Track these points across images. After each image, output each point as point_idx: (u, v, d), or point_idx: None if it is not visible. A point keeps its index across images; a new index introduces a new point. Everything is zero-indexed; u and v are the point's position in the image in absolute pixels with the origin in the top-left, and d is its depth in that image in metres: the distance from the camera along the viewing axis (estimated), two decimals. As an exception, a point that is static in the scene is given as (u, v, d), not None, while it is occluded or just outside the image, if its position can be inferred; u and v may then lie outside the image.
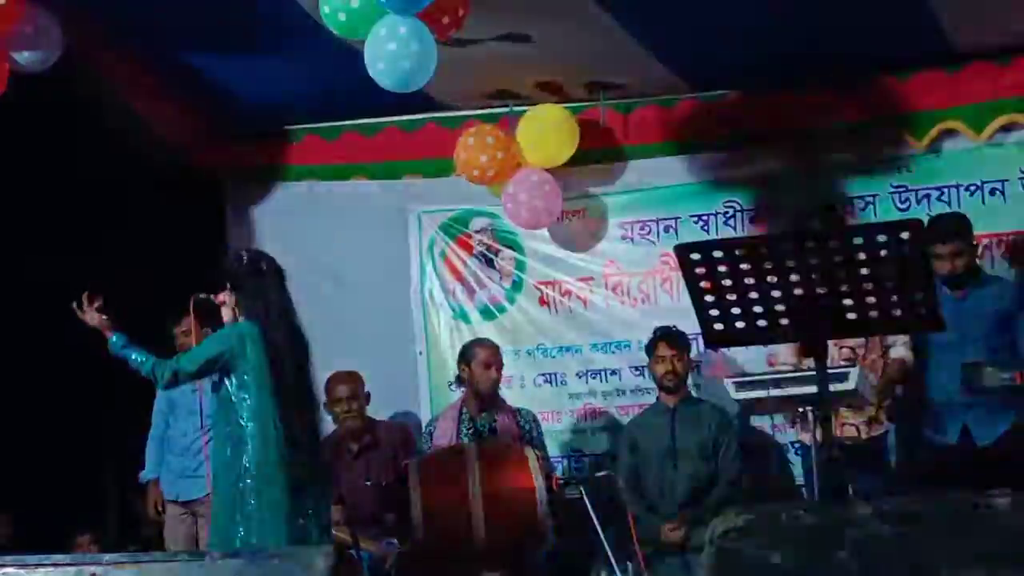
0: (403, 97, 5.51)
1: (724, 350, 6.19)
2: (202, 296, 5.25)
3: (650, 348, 6.14)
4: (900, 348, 5.67)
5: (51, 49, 5.50)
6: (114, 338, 5.12)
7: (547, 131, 6.53)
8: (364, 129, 6.96)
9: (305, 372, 5.18)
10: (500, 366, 6.21)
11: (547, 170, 6.54)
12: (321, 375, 6.12)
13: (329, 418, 6.21)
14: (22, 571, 3.06)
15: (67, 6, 5.56)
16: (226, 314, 5.20)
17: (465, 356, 6.23)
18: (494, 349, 6.27)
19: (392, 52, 5.05)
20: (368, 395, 6.35)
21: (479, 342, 6.37)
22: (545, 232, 6.78)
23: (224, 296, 5.18)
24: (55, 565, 3.07)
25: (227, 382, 5.05)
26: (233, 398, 5.03)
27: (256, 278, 5.13)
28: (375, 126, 6.94)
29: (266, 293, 5.11)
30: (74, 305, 5.18)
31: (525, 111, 6.62)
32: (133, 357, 5.09)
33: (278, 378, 5.02)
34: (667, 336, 6.08)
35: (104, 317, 5.15)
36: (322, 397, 5.77)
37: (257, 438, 4.98)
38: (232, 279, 5.16)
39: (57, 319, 5.96)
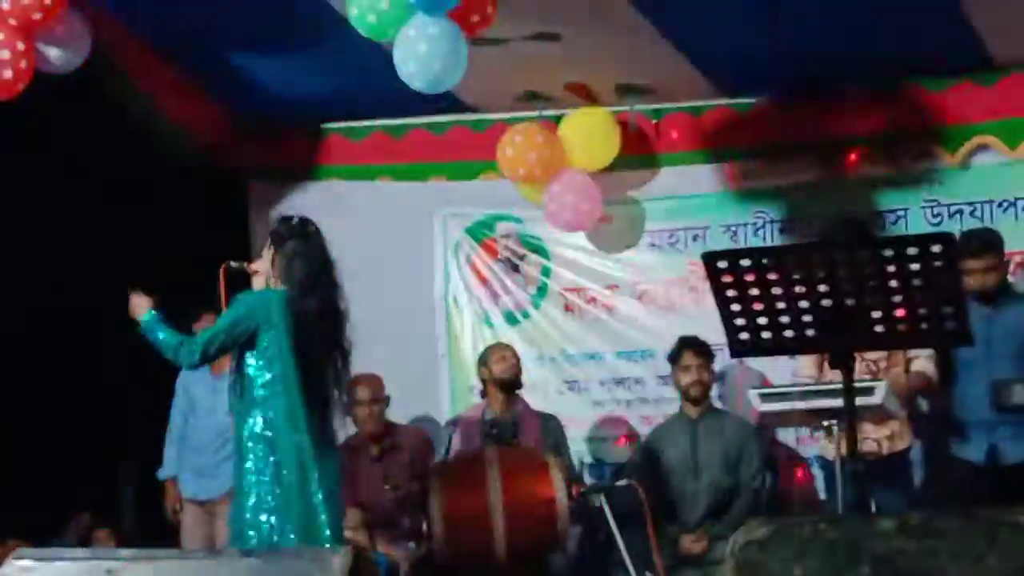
0: (431, 98, 5.49)
1: (749, 361, 6.14)
2: (234, 264, 5.01)
3: (674, 357, 6.10)
4: (923, 361, 5.62)
5: (79, 48, 5.50)
6: (147, 316, 4.86)
7: (592, 134, 6.53)
8: (391, 130, 6.96)
9: (337, 346, 4.92)
10: (516, 358, 6.20)
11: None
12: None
13: (349, 420, 6.20)
14: (39, 564, 3.05)
15: (94, 3, 5.57)
16: (258, 283, 4.99)
17: (483, 359, 6.25)
18: (508, 345, 6.33)
19: (423, 53, 5.02)
20: (388, 398, 6.33)
21: (493, 345, 6.39)
22: (572, 238, 6.76)
23: (257, 264, 5.00)
24: (72, 559, 3.07)
25: (248, 357, 4.83)
26: (253, 373, 4.82)
27: (300, 240, 4.89)
28: (402, 127, 6.93)
29: (306, 256, 4.86)
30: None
31: (555, 115, 6.60)
32: (161, 337, 4.83)
33: (305, 352, 4.80)
34: (693, 345, 6.04)
35: (148, 299, 4.91)
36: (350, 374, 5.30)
37: (281, 418, 4.77)
38: (276, 237, 4.94)
39: (76, 316, 5.97)
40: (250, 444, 4.81)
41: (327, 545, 4.68)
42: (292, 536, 4.71)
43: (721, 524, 5.76)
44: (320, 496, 4.78)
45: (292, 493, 4.74)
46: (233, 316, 4.85)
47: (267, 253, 4.96)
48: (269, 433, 4.79)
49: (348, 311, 4.95)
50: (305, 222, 5.00)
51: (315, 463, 4.80)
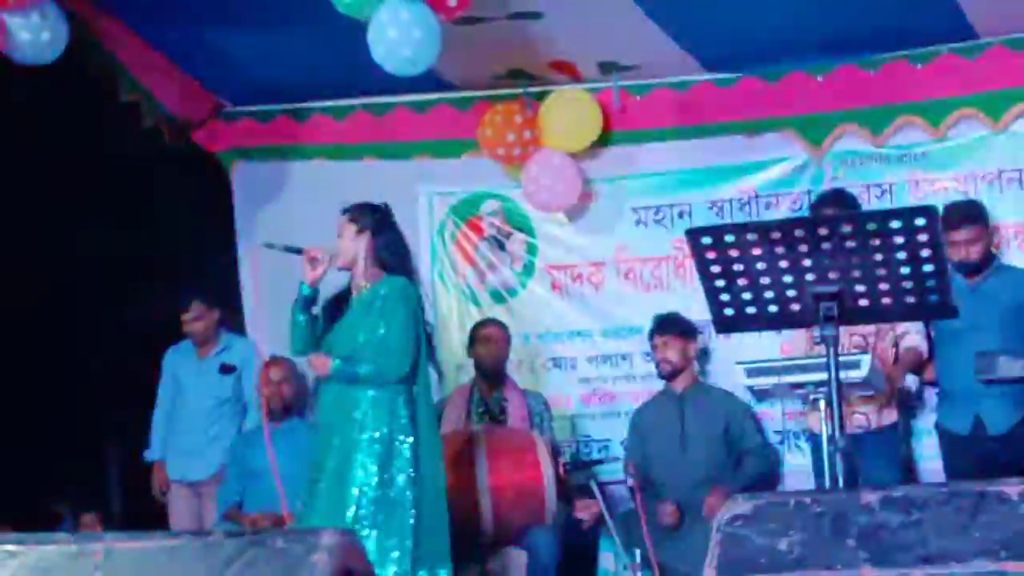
0: (415, 76, 5.48)
1: (736, 336, 6.14)
2: (291, 248, 4.80)
3: (649, 338, 6.15)
4: (914, 336, 5.63)
5: (55, 38, 5.42)
6: (335, 365, 4.71)
7: (573, 113, 6.52)
8: (374, 109, 6.92)
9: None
10: (503, 341, 6.20)
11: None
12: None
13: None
14: (24, 549, 3.04)
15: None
16: (316, 272, 4.76)
17: (471, 336, 6.25)
18: (498, 326, 6.31)
19: (393, 38, 5.05)
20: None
21: (484, 321, 6.38)
22: (558, 216, 6.76)
23: (339, 249, 4.80)
24: (57, 543, 3.05)
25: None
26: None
27: (394, 230, 4.84)
28: (385, 106, 6.89)
29: (404, 245, 4.83)
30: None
31: (539, 92, 6.59)
32: (362, 373, 4.70)
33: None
34: (659, 324, 6.07)
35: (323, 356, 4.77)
36: None
37: (423, 431, 4.69)
38: (373, 223, 4.81)
39: (60, 299, 5.94)
40: (391, 456, 4.66)
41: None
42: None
43: (734, 482, 5.74)
44: None
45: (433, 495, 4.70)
46: (409, 315, 4.73)
47: (360, 239, 4.82)
48: (412, 438, 4.70)
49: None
50: (390, 210, 4.93)
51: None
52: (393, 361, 4.70)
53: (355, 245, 4.82)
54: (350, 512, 4.58)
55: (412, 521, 4.61)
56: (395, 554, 4.55)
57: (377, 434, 4.67)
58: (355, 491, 4.61)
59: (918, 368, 5.73)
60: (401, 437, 4.69)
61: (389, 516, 4.61)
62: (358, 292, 4.86)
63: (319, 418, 5.01)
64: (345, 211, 4.90)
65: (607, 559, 5.70)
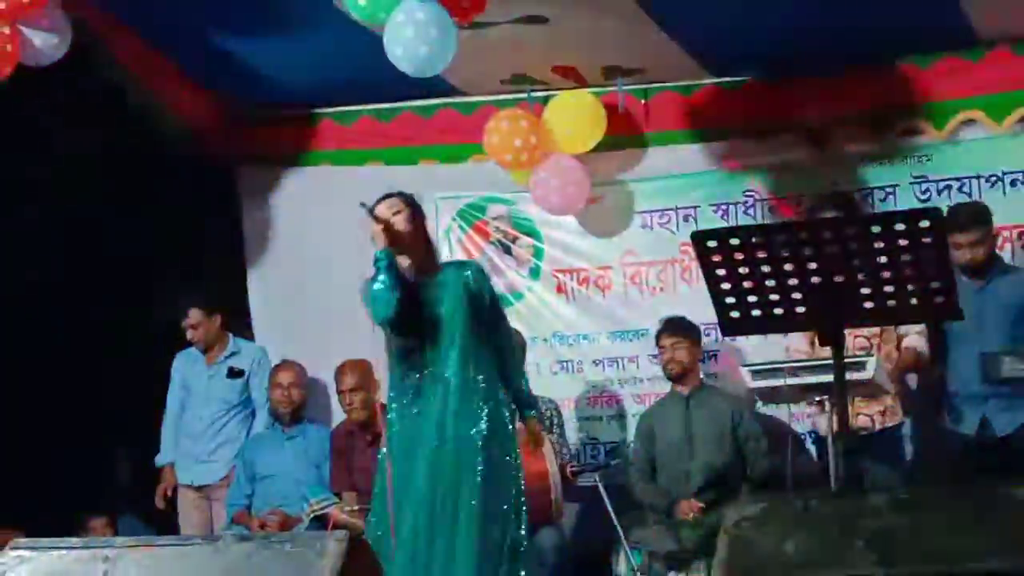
0: (419, 81, 5.50)
1: (741, 339, 6.16)
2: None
3: (656, 338, 6.16)
4: (914, 338, 5.65)
5: (61, 40, 5.46)
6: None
7: (577, 117, 6.53)
8: (380, 114, 6.95)
9: None
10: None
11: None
12: (333, 363, 6.16)
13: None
14: (35, 554, 3.06)
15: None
16: (381, 240, 4.54)
17: None
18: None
19: (410, 38, 5.06)
20: (379, 383, 6.33)
21: None
22: (563, 220, 6.77)
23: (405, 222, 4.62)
24: (69, 549, 3.07)
25: (473, 334, 4.62)
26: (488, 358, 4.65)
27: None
28: (391, 111, 6.92)
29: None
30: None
31: (543, 97, 6.61)
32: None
33: None
34: (667, 326, 6.09)
35: None
36: None
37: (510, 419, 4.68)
38: (421, 211, 4.78)
39: (70, 304, 5.96)
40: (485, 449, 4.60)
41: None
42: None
43: (722, 496, 5.74)
44: None
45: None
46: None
47: (419, 224, 4.74)
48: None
49: None
50: None
51: None
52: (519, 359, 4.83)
53: (416, 228, 4.71)
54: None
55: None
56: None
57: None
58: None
59: (918, 368, 5.75)
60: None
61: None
62: (428, 274, 4.69)
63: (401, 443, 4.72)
64: (394, 195, 4.76)
65: (620, 562, 5.71)
